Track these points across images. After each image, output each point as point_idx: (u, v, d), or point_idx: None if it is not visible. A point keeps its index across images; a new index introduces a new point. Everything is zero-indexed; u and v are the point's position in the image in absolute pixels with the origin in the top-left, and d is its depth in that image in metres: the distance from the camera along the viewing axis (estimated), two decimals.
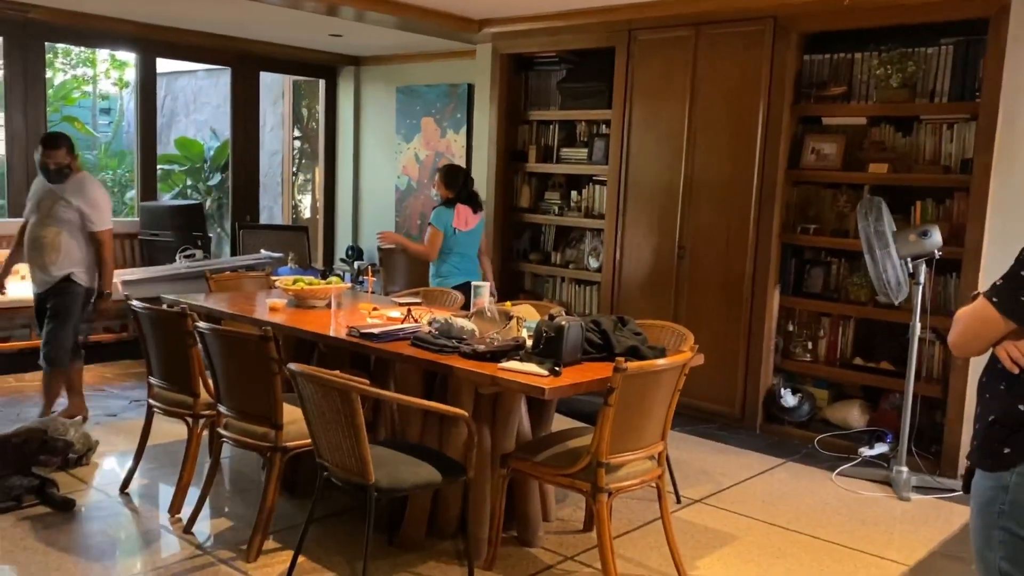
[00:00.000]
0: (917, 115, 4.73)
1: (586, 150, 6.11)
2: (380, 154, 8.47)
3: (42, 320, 4.75)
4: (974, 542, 2.02)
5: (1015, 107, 4.24)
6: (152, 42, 7.29)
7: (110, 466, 4.21)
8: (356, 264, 8.13)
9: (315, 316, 3.98)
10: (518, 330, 3.44)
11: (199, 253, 6.78)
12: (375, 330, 3.49)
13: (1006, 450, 1.91)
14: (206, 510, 3.61)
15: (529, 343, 3.26)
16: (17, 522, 3.49)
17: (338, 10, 5.66)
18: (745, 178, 5.11)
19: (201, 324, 3.39)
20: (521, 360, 3.10)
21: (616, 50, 5.67)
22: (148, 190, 7.54)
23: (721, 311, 5.25)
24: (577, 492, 3.05)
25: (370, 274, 5.00)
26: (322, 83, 8.80)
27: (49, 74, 10.14)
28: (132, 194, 9.48)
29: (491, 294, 4.29)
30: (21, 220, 6.70)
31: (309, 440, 3.07)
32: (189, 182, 10.65)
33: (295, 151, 10.39)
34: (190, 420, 3.65)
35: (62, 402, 5.06)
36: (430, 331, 3.44)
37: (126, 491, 3.87)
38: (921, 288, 4.22)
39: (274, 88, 9.99)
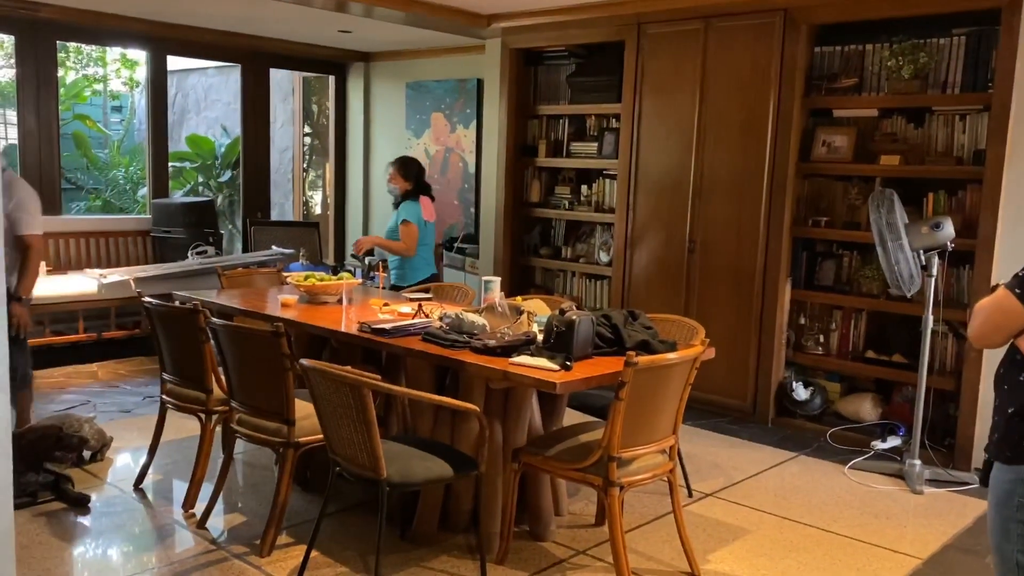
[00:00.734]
0: (929, 106, 4.70)
1: (596, 144, 6.10)
2: (390, 149, 8.46)
3: None
4: (991, 535, 2.02)
5: None
6: (163, 40, 7.32)
7: (124, 462, 4.24)
8: (367, 260, 8.14)
9: (327, 312, 3.99)
10: (529, 325, 3.44)
11: (211, 250, 6.81)
12: (386, 325, 3.50)
13: None
14: (220, 505, 3.63)
15: (540, 338, 3.26)
16: (33, 518, 3.52)
17: (347, 6, 5.67)
18: (756, 171, 5.10)
19: (214, 320, 3.41)
20: (532, 355, 3.11)
21: (625, 44, 5.66)
22: (160, 187, 7.57)
23: (732, 304, 5.23)
24: (589, 486, 3.05)
25: (381, 270, 5.01)
26: (332, 79, 8.81)
27: (61, 73, 10.20)
28: (144, 192, 9.52)
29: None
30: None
31: (321, 435, 3.09)
32: (200, 179, 10.68)
33: (305, 147, 10.41)
34: (203, 416, 3.67)
35: (71, 398, 5.10)
36: (441, 326, 3.44)
37: (140, 487, 3.89)
38: (934, 280, 4.20)
39: (284, 85, 10.00)
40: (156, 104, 7.51)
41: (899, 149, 4.74)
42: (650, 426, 3.00)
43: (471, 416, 3.16)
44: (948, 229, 4.10)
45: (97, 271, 6.24)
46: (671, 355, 3.02)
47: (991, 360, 4.39)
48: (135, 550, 3.35)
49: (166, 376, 3.82)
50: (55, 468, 3.83)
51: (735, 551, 3.46)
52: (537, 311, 3.66)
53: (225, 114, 10.93)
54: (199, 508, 3.60)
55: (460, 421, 3.32)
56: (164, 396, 3.84)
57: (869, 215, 4.29)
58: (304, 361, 2.92)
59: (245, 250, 7.80)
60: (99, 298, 6.06)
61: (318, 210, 10.74)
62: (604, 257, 6.08)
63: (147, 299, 3.77)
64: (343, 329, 3.63)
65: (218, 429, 3.76)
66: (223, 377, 3.54)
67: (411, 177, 5.36)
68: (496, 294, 3.78)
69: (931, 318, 4.24)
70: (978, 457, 4.37)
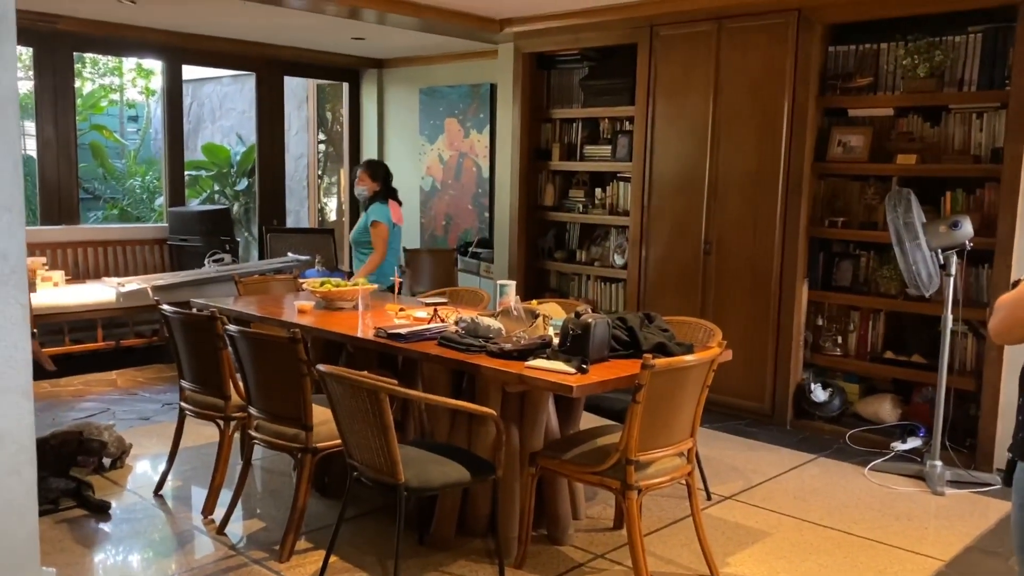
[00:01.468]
0: (945, 105, 4.67)
1: (610, 147, 6.10)
2: (404, 155, 8.50)
3: None
4: (1015, 536, 1.99)
5: None
6: (178, 50, 7.38)
7: (144, 469, 4.27)
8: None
9: (343, 317, 4.00)
10: (544, 328, 3.44)
11: (227, 257, 6.86)
12: (402, 330, 3.51)
13: None
14: (239, 511, 3.65)
15: (556, 341, 3.26)
16: (55, 524, 3.55)
17: (360, 13, 5.70)
18: (771, 172, 5.08)
19: (231, 327, 3.42)
20: (548, 358, 3.10)
21: (638, 46, 5.65)
22: (176, 196, 7.63)
23: (749, 306, 5.21)
24: (607, 490, 3.04)
25: (397, 275, 5.03)
26: (346, 86, 8.86)
27: (78, 83, 10.31)
28: (161, 200, 9.59)
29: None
30: (55, 228, 6.83)
31: (339, 441, 3.10)
32: (216, 187, 10.76)
33: (320, 154, 10.47)
34: (221, 422, 3.68)
35: (91, 406, 5.14)
36: (457, 330, 3.44)
37: (160, 493, 3.92)
38: (953, 280, 4.17)
39: (298, 92, 10.06)
40: (172, 113, 7.57)
41: (915, 148, 4.71)
42: (667, 429, 2.99)
43: (488, 420, 3.16)
44: (966, 228, 4.07)
45: (115, 280, 6.29)
46: (688, 357, 3.01)
47: (1012, 359, 4.36)
48: (155, 556, 3.37)
49: (184, 383, 3.84)
50: (77, 475, 3.86)
51: (754, 554, 3.44)
52: (552, 315, 3.66)
53: (240, 122, 11.01)
54: (218, 514, 3.62)
55: (477, 425, 3.32)
56: (182, 403, 3.86)
57: (886, 215, 4.26)
58: (321, 367, 2.93)
59: (261, 257, 7.84)
60: (117, 306, 6.11)
61: (333, 216, 10.79)
62: (619, 260, 6.07)
63: (164, 307, 3.80)
64: (359, 334, 3.64)
65: (237, 435, 3.77)
66: (241, 383, 3.56)
67: (379, 178, 5.41)
68: (511, 298, 3.78)
69: (950, 317, 4.21)
70: (1000, 457, 4.33)
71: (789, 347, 5.08)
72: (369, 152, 8.80)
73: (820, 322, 5.16)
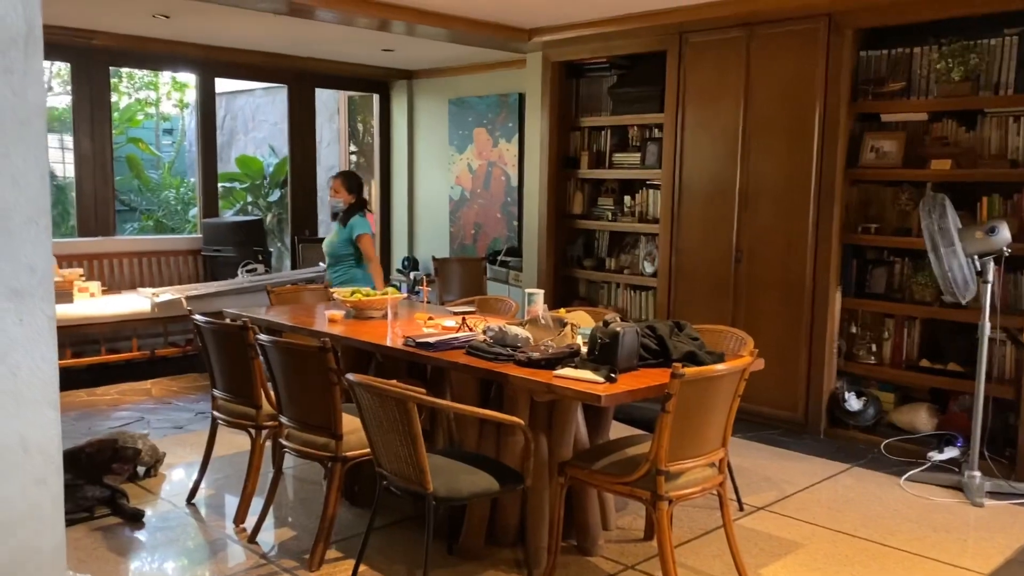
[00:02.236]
0: (981, 108, 4.59)
1: (639, 155, 6.08)
2: (434, 165, 8.54)
3: None
4: None
5: None
6: (210, 63, 7.49)
7: (177, 477, 4.31)
8: (412, 274, 8.22)
9: (372, 326, 4.02)
10: (572, 337, 3.42)
11: (260, 267, 6.93)
12: (430, 339, 3.52)
13: None
14: (270, 519, 3.67)
15: (584, 350, 3.25)
16: (90, 532, 3.60)
17: (390, 25, 5.74)
18: (803, 178, 5.03)
19: (262, 336, 3.45)
20: (576, 367, 3.09)
21: (667, 53, 5.63)
22: (210, 207, 7.74)
23: (781, 314, 5.16)
24: (636, 500, 3.02)
25: (425, 284, 5.04)
26: (376, 97, 8.93)
27: (115, 98, 10.50)
28: (195, 211, 9.73)
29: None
30: (92, 239, 6.95)
31: (368, 449, 3.10)
32: (250, 199, 10.89)
33: (351, 165, 10.55)
34: (253, 431, 3.71)
35: (126, 415, 5.20)
36: (485, 339, 3.45)
37: (192, 502, 3.96)
38: (990, 286, 4.09)
39: (330, 104, 10.16)
40: (205, 125, 7.69)
41: (950, 153, 4.63)
42: (698, 439, 2.96)
43: (516, 429, 3.15)
44: (1004, 233, 3.99)
45: (150, 290, 6.38)
46: (719, 366, 2.98)
47: None
48: (188, 564, 3.40)
49: (216, 392, 3.88)
50: (111, 482, 3.91)
51: (788, 566, 3.39)
52: (581, 323, 3.64)
53: (273, 134, 11.14)
54: (249, 522, 3.64)
55: (505, 434, 3.32)
56: (215, 412, 3.90)
57: (920, 221, 4.20)
58: (350, 376, 2.94)
59: (294, 267, 7.92)
60: (152, 316, 6.20)
61: None
62: (649, 268, 6.04)
63: (197, 317, 3.85)
64: (388, 343, 3.66)
65: (268, 444, 3.80)
66: (272, 392, 3.59)
67: (355, 190, 5.44)
68: (539, 306, 3.77)
69: (988, 325, 4.13)
70: None
71: (822, 355, 5.01)
72: (399, 162, 8.86)
73: (854, 330, 5.09)
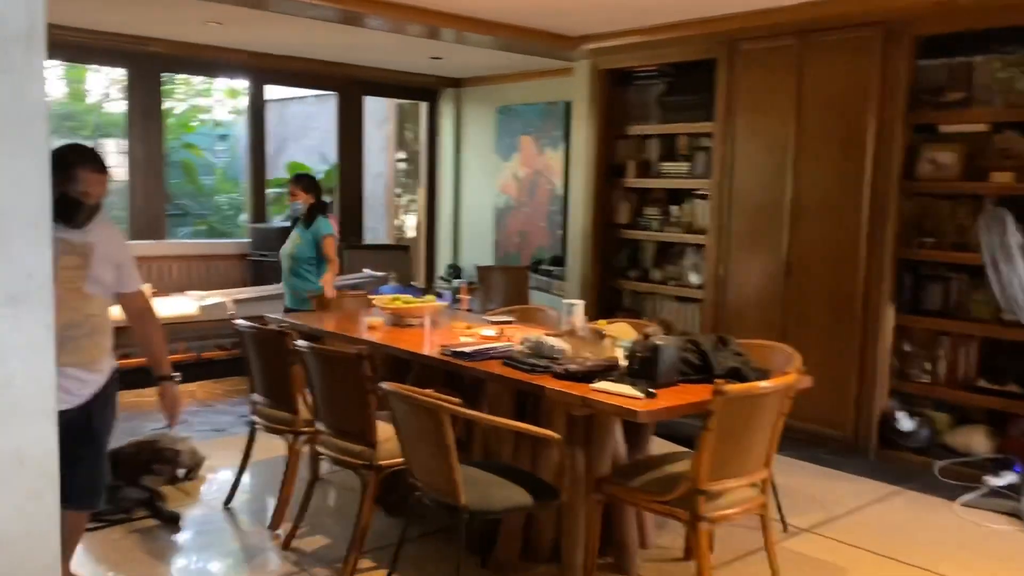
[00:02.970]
0: None
1: (687, 164, 5.98)
2: (480, 173, 8.53)
3: (72, 452, 2.09)
4: None
5: None
6: (261, 70, 7.58)
7: (215, 481, 4.33)
8: (454, 282, 8.20)
9: (411, 334, 4.00)
10: (612, 350, 3.35)
11: None
12: (467, 349, 3.48)
13: None
14: (305, 526, 3.66)
15: (624, 363, 3.17)
16: (127, 534, 3.63)
17: (439, 33, 5.75)
18: (856, 190, 4.88)
19: (300, 343, 3.45)
20: (614, 381, 3.02)
21: (718, 61, 5.53)
22: (258, 212, 7.82)
23: (832, 330, 5.00)
24: (675, 520, 2.93)
25: (464, 292, 5.01)
26: (424, 105, 8.95)
27: (171, 104, 10.70)
28: (244, 216, 9.86)
29: None
30: (144, 242, 7.04)
31: (403, 459, 3.07)
32: None
33: (400, 172, 10.60)
34: (290, 437, 3.71)
35: (153, 424, 5.27)
36: (522, 350, 3.39)
37: (229, 506, 3.97)
38: None
39: (379, 112, 10.22)
40: (254, 132, 7.78)
41: (1012, 165, 4.45)
42: (741, 458, 2.86)
43: (552, 443, 3.09)
44: None
45: (197, 293, 6.46)
46: (763, 384, 2.89)
47: None
48: (222, 569, 3.41)
49: (255, 397, 3.89)
50: (150, 484, 3.94)
51: None
52: (621, 335, 3.56)
53: (323, 141, 11.24)
54: (285, 528, 3.64)
55: (541, 448, 3.25)
56: (253, 416, 3.91)
57: (979, 235, 4.04)
58: (384, 384, 2.91)
59: (339, 273, 7.95)
60: (199, 319, 6.27)
61: (412, 233, 10.91)
62: (695, 279, 5.93)
63: (238, 321, 3.86)
64: (425, 352, 3.62)
65: (305, 450, 3.80)
66: (310, 398, 3.58)
67: (313, 191, 5.42)
68: (578, 318, 3.71)
69: None
70: None
71: (874, 373, 4.85)
72: (446, 170, 8.87)
73: (907, 348, 4.92)
